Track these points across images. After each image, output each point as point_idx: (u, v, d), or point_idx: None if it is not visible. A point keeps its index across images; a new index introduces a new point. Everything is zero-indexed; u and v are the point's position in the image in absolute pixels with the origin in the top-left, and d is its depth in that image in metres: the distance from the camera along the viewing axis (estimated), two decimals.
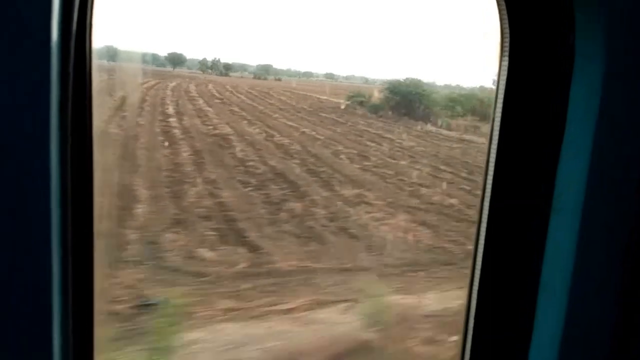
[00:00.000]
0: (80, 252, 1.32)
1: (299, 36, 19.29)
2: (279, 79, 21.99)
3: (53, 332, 1.24)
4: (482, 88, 19.62)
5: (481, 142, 14.89)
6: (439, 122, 17.05)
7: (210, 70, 20.50)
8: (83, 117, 1.29)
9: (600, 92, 1.20)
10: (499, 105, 1.31)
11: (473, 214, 8.61)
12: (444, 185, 10.25)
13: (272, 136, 12.21)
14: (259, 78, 21.77)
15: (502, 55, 1.33)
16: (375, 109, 18.10)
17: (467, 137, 15.41)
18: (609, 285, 1.30)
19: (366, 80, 20.26)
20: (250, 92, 18.88)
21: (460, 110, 17.82)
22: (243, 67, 22.04)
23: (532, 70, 1.29)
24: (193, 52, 19.60)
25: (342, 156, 11.39)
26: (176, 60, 19.69)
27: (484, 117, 17.65)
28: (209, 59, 19.39)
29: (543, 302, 1.34)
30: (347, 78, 20.79)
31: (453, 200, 9.26)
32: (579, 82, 1.23)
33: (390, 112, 18.08)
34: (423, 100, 17.83)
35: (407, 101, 17.80)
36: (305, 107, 18.12)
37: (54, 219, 1.19)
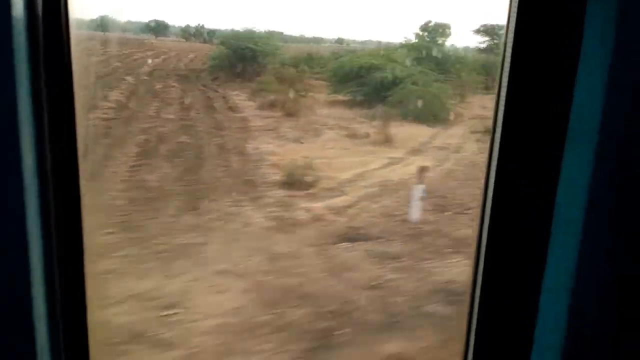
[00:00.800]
0: (68, 259, 1.16)
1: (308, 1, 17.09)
2: None
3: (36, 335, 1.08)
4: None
5: (248, 108, 10.98)
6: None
7: (194, 38, 19.39)
8: (63, 99, 1.12)
9: (616, 17, 1.11)
10: (510, 36, 1.24)
11: None
12: None
13: None
14: None
15: None
16: (217, 71, 14.85)
17: (248, 103, 11.58)
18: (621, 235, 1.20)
19: (379, 44, 17.98)
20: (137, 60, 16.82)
21: (306, 69, 13.63)
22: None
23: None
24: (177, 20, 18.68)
25: None
26: (160, 27, 19.17)
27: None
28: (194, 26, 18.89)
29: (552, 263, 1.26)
30: (362, 43, 18.68)
31: None
32: (595, 9, 1.17)
33: (226, 74, 14.69)
34: (260, 59, 13.99)
35: (240, 59, 14.09)
36: (152, 70, 15.29)
37: (32, 232, 1.03)
